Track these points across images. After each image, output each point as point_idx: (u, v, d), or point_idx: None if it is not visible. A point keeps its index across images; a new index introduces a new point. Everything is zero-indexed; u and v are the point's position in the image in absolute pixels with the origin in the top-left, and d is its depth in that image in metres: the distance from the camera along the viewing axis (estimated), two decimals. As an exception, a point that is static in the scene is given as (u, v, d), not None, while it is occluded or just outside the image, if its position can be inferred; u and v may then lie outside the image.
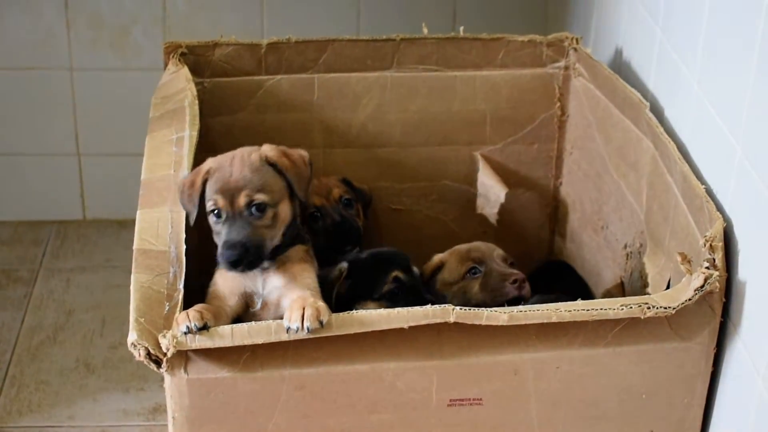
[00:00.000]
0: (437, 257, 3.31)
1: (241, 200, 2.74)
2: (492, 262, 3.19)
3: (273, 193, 2.79)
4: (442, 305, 2.54)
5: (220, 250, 2.75)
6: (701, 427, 2.80)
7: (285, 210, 2.82)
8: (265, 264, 2.79)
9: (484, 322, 2.54)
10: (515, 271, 3.14)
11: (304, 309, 2.51)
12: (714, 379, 2.76)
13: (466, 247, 3.30)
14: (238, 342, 2.50)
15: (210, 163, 2.85)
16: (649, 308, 2.55)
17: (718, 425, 2.76)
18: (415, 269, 3.11)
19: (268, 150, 2.86)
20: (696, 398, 2.75)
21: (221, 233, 2.76)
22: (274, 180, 2.82)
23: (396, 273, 3.02)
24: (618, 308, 2.56)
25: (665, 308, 2.55)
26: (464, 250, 3.27)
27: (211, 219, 2.79)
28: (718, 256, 2.60)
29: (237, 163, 2.81)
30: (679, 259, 2.65)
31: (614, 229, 3.39)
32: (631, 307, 2.56)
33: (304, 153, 2.95)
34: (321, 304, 2.56)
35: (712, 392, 2.77)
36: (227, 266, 2.73)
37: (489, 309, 2.54)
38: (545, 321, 2.54)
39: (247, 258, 2.72)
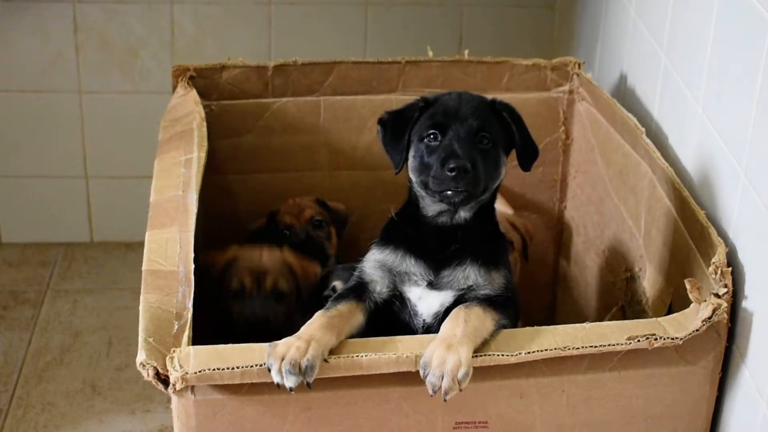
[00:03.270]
0: None
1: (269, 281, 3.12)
2: None
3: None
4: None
5: None
6: (706, 450, 2.81)
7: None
8: None
9: (491, 363, 2.55)
10: None
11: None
12: (718, 403, 2.76)
13: None
14: (246, 380, 2.50)
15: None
16: (656, 339, 2.56)
17: (723, 449, 2.78)
18: None
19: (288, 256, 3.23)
20: (701, 422, 2.75)
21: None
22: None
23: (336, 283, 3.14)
24: (625, 342, 2.56)
25: (672, 338, 2.57)
26: None
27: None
28: (728, 281, 2.61)
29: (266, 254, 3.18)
30: (688, 287, 2.66)
31: (615, 252, 3.40)
32: (638, 341, 2.56)
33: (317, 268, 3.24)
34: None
35: (717, 416, 2.78)
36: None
37: (499, 353, 2.54)
38: (553, 356, 2.55)
39: None
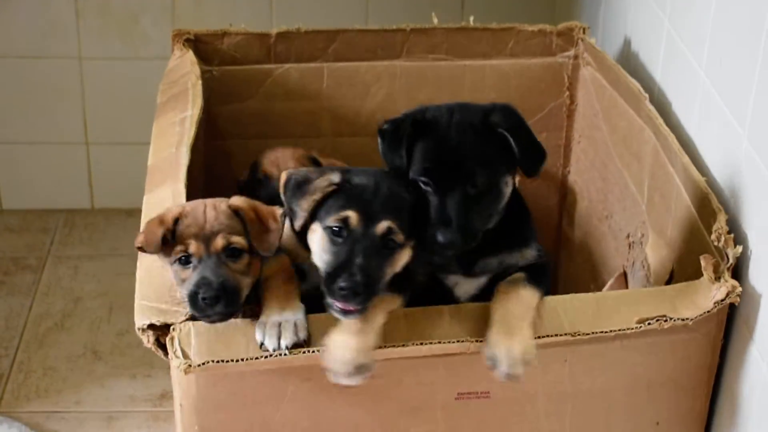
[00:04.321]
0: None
1: (218, 243, 2.55)
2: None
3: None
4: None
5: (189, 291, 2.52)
6: (707, 417, 2.81)
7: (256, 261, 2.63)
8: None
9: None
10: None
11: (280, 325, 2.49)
12: (720, 369, 2.76)
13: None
14: (255, 369, 2.51)
15: (178, 208, 2.64)
16: (666, 321, 2.56)
17: (723, 414, 2.77)
18: None
19: (236, 200, 2.66)
20: (702, 389, 2.75)
21: (189, 278, 2.55)
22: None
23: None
24: (636, 327, 2.56)
25: (683, 320, 2.57)
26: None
27: (176, 267, 2.59)
28: (731, 249, 2.61)
29: (210, 211, 2.61)
30: (703, 263, 2.63)
31: (618, 218, 3.39)
32: (649, 323, 2.56)
33: (276, 210, 2.69)
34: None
35: (718, 382, 2.78)
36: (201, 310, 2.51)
37: None
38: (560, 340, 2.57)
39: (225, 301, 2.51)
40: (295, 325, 2.50)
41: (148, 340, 2.51)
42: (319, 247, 2.56)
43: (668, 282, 2.82)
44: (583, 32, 3.65)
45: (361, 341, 2.46)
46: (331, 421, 2.65)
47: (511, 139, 2.57)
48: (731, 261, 2.60)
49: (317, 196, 2.57)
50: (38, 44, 4.37)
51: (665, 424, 2.77)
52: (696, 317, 2.56)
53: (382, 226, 2.51)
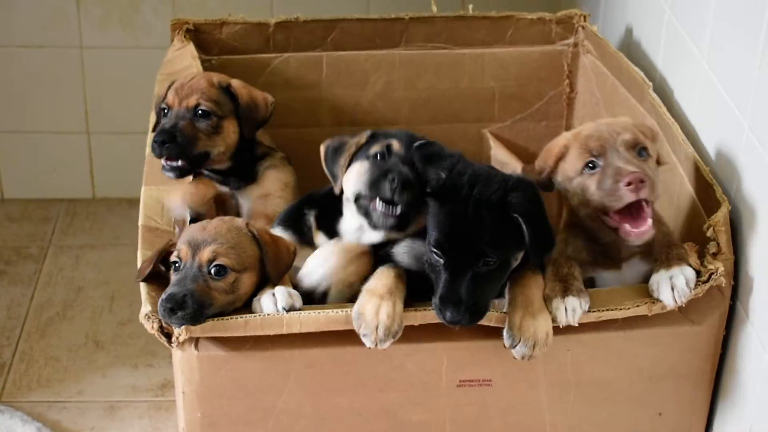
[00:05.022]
0: (562, 140, 2.84)
1: (204, 255, 2.60)
2: (613, 154, 2.68)
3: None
4: None
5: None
6: (709, 407, 2.81)
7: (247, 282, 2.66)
8: None
9: (493, 324, 2.56)
10: (632, 170, 2.62)
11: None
12: (722, 360, 2.77)
13: (588, 130, 2.78)
14: (250, 333, 2.51)
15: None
16: (654, 303, 2.59)
17: (725, 404, 2.78)
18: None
19: (255, 224, 2.77)
20: (705, 380, 2.76)
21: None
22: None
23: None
24: (625, 308, 2.59)
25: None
26: (584, 136, 2.76)
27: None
28: (722, 240, 2.61)
29: (218, 224, 2.69)
30: (687, 249, 2.66)
31: (621, 207, 3.39)
32: (638, 306, 2.59)
33: (292, 243, 2.83)
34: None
35: (720, 373, 2.78)
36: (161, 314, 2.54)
37: (498, 311, 2.57)
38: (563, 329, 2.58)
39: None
40: (290, 294, 2.58)
41: (152, 326, 2.51)
42: (358, 173, 2.70)
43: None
44: (584, 20, 3.65)
45: (392, 306, 2.52)
46: (333, 408, 2.66)
47: (525, 227, 2.55)
48: (722, 249, 2.62)
49: (353, 149, 2.77)
50: (39, 33, 4.36)
51: (668, 414, 2.78)
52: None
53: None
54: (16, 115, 4.49)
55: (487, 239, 2.52)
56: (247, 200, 3.16)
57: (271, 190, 3.19)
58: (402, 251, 2.71)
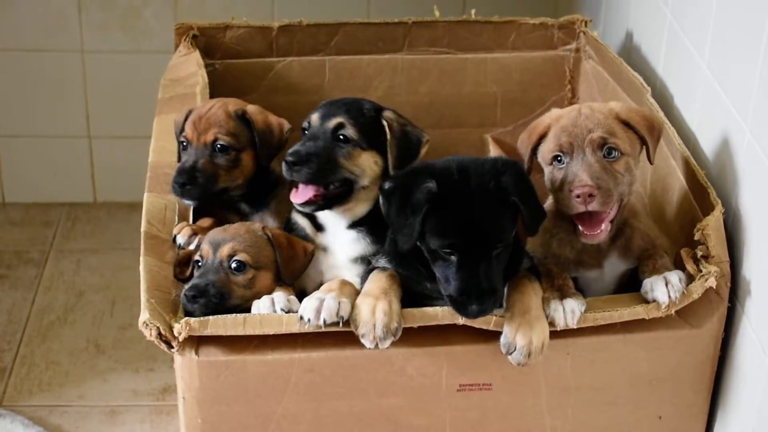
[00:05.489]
0: (546, 119, 2.81)
1: (224, 251, 2.76)
2: (579, 155, 2.67)
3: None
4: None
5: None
6: (709, 411, 2.81)
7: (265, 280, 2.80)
8: None
9: (492, 328, 2.56)
10: (584, 182, 2.61)
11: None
12: (721, 363, 2.77)
13: (567, 119, 2.73)
14: (249, 332, 2.51)
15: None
16: (650, 306, 2.60)
17: (724, 408, 2.77)
18: None
19: (272, 229, 2.90)
20: (705, 383, 2.76)
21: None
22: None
23: None
24: (622, 309, 2.60)
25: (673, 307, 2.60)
26: (560, 126, 2.73)
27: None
28: (712, 244, 2.61)
29: (238, 228, 2.84)
30: (683, 256, 2.66)
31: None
32: (635, 308, 2.60)
33: (309, 245, 2.91)
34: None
35: (720, 376, 2.78)
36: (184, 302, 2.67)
37: (497, 314, 2.57)
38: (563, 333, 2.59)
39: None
40: (288, 299, 2.63)
41: (150, 333, 2.51)
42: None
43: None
44: (585, 25, 3.65)
45: (387, 305, 2.53)
46: (333, 413, 2.65)
47: (522, 207, 2.58)
48: (711, 252, 2.62)
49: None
50: (41, 38, 4.37)
51: (668, 417, 2.78)
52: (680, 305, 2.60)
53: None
54: (17, 119, 4.50)
55: (495, 228, 2.55)
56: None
57: (283, 216, 3.17)
58: (384, 263, 2.72)
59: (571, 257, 2.78)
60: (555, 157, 2.69)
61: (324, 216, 2.92)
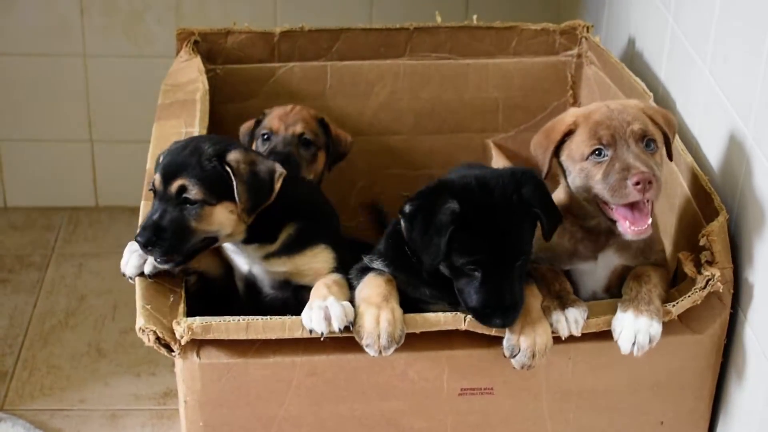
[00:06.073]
0: (570, 117, 2.77)
1: None
2: (623, 146, 2.62)
3: None
4: (454, 313, 2.56)
5: None
6: (710, 416, 2.81)
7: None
8: None
9: (494, 333, 2.57)
10: (642, 169, 2.57)
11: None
12: (723, 369, 2.77)
13: (599, 114, 2.70)
14: (252, 336, 2.51)
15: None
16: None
17: (727, 413, 2.77)
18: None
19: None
20: (706, 389, 2.76)
21: None
22: None
23: None
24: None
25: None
26: (595, 121, 2.69)
27: None
28: (717, 250, 2.61)
29: None
30: (681, 259, 2.66)
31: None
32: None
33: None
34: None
35: (721, 382, 2.78)
36: None
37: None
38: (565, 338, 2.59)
39: None
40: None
41: (148, 339, 2.51)
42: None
43: (672, 279, 2.83)
44: (587, 31, 3.66)
45: (390, 313, 2.53)
46: (334, 417, 2.65)
47: (544, 217, 2.59)
48: (716, 258, 2.62)
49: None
50: (43, 42, 4.37)
51: (669, 423, 2.78)
52: (677, 305, 2.61)
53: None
54: (19, 123, 4.50)
55: (519, 241, 2.56)
56: None
57: None
58: (379, 265, 2.73)
59: (568, 247, 2.77)
60: (594, 151, 2.64)
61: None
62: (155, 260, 2.66)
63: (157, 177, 2.67)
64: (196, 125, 3.15)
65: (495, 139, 3.76)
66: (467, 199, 2.56)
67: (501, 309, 2.52)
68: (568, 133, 2.72)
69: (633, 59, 3.55)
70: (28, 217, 4.59)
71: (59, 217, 4.60)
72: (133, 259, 2.72)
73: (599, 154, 2.64)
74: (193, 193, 2.63)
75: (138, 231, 2.66)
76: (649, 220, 2.60)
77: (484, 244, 2.53)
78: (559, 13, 4.41)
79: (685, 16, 3.12)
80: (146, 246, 2.64)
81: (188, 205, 2.64)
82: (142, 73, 4.39)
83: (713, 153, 2.89)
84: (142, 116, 4.12)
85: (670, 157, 2.75)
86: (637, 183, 2.54)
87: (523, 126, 3.75)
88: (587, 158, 2.65)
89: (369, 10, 4.41)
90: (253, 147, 3.31)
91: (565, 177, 2.75)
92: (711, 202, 2.71)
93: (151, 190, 2.71)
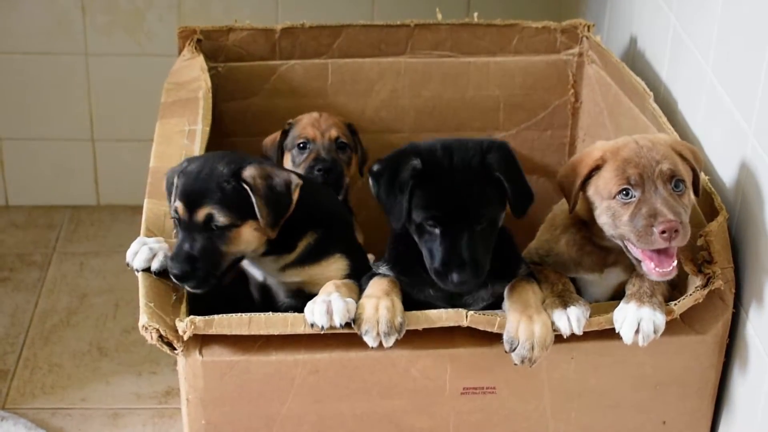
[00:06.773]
0: (597, 152, 2.72)
1: None
2: (651, 187, 2.58)
3: None
4: (456, 309, 2.56)
5: None
6: (713, 416, 2.81)
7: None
8: None
9: (496, 330, 2.57)
10: (669, 217, 2.52)
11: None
12: (725, 368, 2.77)
13: (628, 151, 2.64)
14: (254, 332, 2.51)
15: None
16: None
17: (729, 413, 2.77)
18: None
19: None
20: (709, 388, 2.76)
21: None
22: None
23: None
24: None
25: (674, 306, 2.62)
26: (623, 158, 2.63)
27: None
28: (715, 250, 2.61)
29: None
30: (681, 259, 2.65)
31: (625, 217, 3.39)
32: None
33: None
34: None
35: (724, 381, 2.78)
36: None
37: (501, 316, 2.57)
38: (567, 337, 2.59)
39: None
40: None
41: (151, 337, 2.51)
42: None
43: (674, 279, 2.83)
44: (588, 29, 3.65)
45: (390, 302, 2.55)
46: (336, 415, 2.66)
47: (506, 184, 2.62)
48: (715, 258, 2.62)
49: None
50: (44, 41, 4.37)
51: (672, 422, 2.78)
52: (678, 303, 2.62)
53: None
54: (20, 122, 4.50)
55: (477, 202, 2.59)
56: None
57: None
58: (385, 270, 2.75)
59: (574, 256, 2.78)
60: (621, 191, 2.60)
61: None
62: (190, 287, 2.67)
63: (180, 206, 2.66)
64: (198, 123, 3.15)
65: (496, 137, 3.75)
66: (430, 160, 2.62)
67: (458, 264, 2.55)
68: (596, 168, 2.68)
69: (635, 58, 3.55)
70: (30, 216, 4.59)
71: (61, 215, 4.60)
72: (142, 252, 2.72)
73: (627, 194, 2.60)
74: (221, 220, 2.64)
75: (170, 263, 2.65)
76: (674, 262, 2.57)
77: (441, 199, 2.59)
78: (561, 11, 4.40)
79: (687, 15, 3.12)
80: (182, 278, 2.63)
81: (217, 231, 2.65)
82: (143, 71, 4.39)
83: (715, 151, 2.89)
84: (144, 114, 4.12)
85: (696, 193, 2.70)
86: (663, 232, 2.52)
87: (524, 124, 3.75)
88: (614, 197, 2.62)
89: (370, 7, 4.41)
90: (286, 158, 3.36)
91: (591, 212, 2.72)
92: (712, 202, 2.71)
93: (174, 218, 2.71)
